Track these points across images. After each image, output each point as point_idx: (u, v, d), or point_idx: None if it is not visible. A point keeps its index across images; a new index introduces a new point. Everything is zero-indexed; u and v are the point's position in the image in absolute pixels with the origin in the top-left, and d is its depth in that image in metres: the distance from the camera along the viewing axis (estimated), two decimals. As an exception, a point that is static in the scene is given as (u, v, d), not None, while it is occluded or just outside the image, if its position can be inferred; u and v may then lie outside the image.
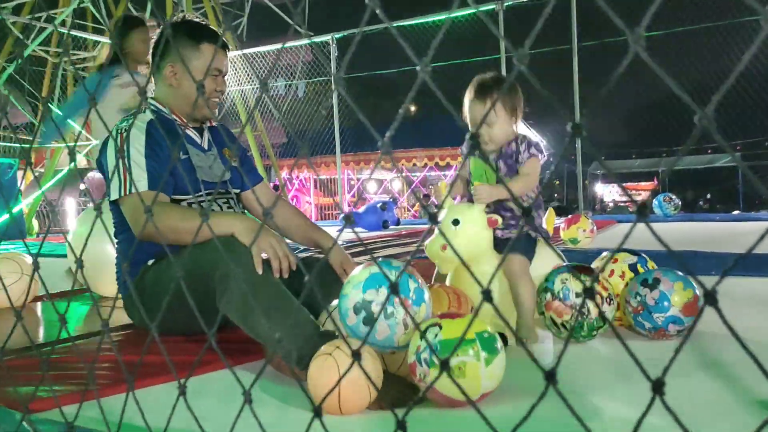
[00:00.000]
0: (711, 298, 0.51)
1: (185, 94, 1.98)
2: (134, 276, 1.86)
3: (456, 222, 1.77)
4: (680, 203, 8.40)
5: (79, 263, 0.79)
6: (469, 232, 1.77)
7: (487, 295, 0.60)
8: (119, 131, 1.89)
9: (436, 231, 1.75)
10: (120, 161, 1.84)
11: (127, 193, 1.82)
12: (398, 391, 1.32)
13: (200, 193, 1.93)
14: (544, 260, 1.93)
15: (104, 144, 1.93)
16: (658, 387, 0.52)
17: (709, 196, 20.16)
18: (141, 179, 1.81)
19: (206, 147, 2.04)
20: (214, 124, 2.11)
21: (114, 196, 1.84)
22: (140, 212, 1.78)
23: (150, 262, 1.87)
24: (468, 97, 1.98)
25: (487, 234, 1.81)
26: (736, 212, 10.27)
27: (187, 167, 1.92)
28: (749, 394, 1.31)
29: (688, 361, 1.55)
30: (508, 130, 1.95)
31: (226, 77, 2.04)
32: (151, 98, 2.03)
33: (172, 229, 1.72)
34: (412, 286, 1.39)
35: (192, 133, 2.02)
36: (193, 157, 1.95)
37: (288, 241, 1.92)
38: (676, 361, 0.51)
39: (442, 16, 8.92)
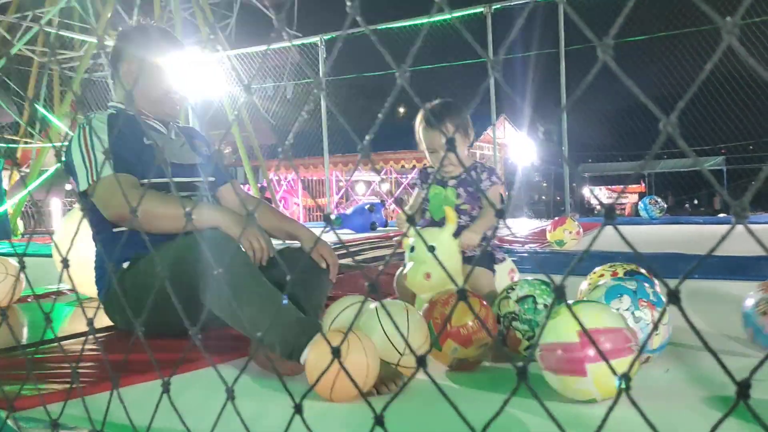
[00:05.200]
0: (674, 297, 0.54)
1: (144, 92, 2.01)
2: (111, 279, 1.85)
3: (432, 248, 1.76)
4: (665, 206, 8.49)
5: (65, 263, 0.80)
6: (444, 257, 1.76)
7: (462, 294, 0.63)
8: (81, 127, 1.91)
9: (411, 261, 1.77)
10: (85, 152, 1.85)
11: (95, 179, 1.81)
12: (387, 375, 1.37)
13: (166, 179, 1.90)
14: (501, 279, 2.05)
15: (69, 144, 1.93)
16: (623, 381, 0.54)
17: (696, 201, 20.39)
18: (107, 164, 1.80)
19: (172, 136, 2.08)
20: (180, 123, 2.18)
21: (83, 186, 1.84)
22: (110, 194, 1.77)
23: (125, 264, 1.86)
24: (420, 125, 2.03)
25: (459, 256, 1.83)
26: (721, 215, 10.40)
27: (152, 153, 1.92)
28: (718, 393, 1.34)
29: (670, 372, 1.58)
30: (465, 153, 2.03)
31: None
32: (111, 103, 2.09)
33: (151, 213, 1.72)
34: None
35: (155, 123, 2.06)
36: (157, 140, 1.98)
37: None
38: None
39: (427, 20, 8.95)
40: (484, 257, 1.99)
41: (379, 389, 1.35)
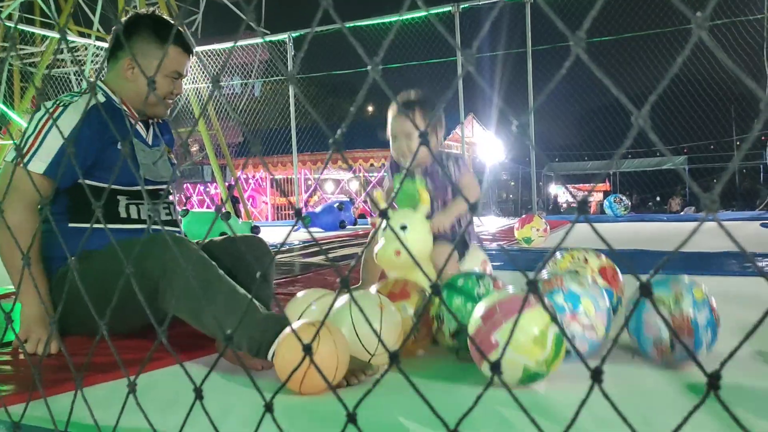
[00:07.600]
0: (646, 290, 0.54)
1: (139, 90, 1.91)
2: (53, 275, 1.76)
3: (404, 227, 1.78)
4: (630, 204, 8.65)
5: (26, 260, 0.78)
6: (417, 236, 1.79)
7: (436, 289, 0.62)
8: (57, 103, 1.80)
9: (383, 239, 1.79)
10: (38, 130, 1.73)
11: (22, 164, 1.61)
12: (356, 366, 1.36)
13: (136, 187, 1.86)
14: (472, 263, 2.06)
15: (36, 111, 1.78)
16: (596, 375, 0.54)
17: (659, 199, 20.81)
18: (41, 161, 1.71)
19: (151, 143, 1.98)
20: (161, 120, 2.07)
21: (9, 157, 1.73)
22: (12, 188, 1.61)
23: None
24: (391, 113, 2.06)
25: (430, 238, 1.85)
26: (683, 213, 10.63)
27: (130, 159, 1.86)
28: (689, 383, 1.36)
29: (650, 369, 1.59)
30: (434, 146, 2.02)
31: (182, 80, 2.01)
32: (102, 81, 1.94)
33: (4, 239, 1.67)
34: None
35: (138, 127, 1.95)
36: (138, 152, 1.88)
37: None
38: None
39: (395, 18, 8.97)
40: (456, 241, 2.01)
41: (348, 380, 1.34)
